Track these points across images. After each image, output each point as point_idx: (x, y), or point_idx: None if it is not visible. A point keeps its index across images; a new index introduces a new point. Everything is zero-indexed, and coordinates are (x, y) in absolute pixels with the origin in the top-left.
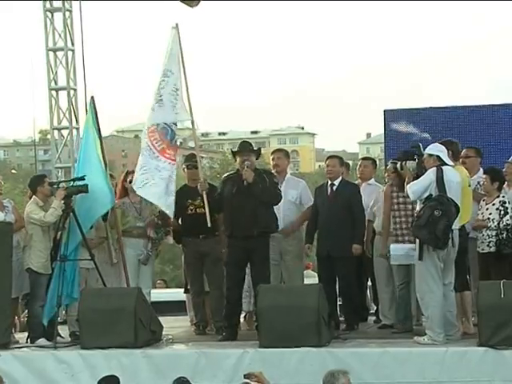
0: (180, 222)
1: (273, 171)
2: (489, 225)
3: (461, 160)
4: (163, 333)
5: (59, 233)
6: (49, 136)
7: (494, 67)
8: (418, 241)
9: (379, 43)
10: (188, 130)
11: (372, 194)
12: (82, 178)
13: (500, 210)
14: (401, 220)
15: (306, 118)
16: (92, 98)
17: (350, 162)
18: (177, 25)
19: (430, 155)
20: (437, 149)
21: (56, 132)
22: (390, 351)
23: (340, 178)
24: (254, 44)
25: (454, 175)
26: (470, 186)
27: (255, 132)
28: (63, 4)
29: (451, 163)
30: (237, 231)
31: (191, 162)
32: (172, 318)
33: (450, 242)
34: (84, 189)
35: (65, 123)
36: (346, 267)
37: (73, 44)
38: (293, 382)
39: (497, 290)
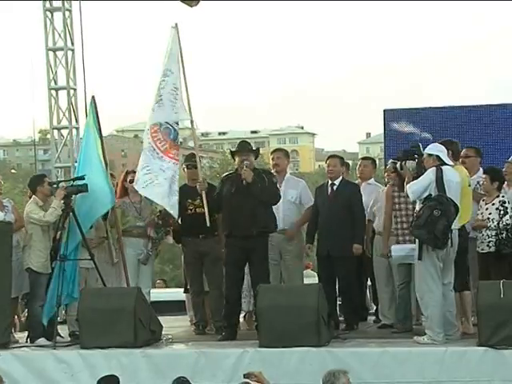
0: (179, 221)
1: (272, 171)
2: (488, 225)
3: (460, 160)
4: (163, 332)
5: (59, 232)
6: (48, 136)
7: (493, 67)
8: (417, 241)
9: (379, 43)
10: (188, 130)
11: (372, 194)
12: (82, 178)
13: (500, 210)
14: (402, 220)
15: (306, 118)
16: (93, 97)
17: (350, 162)
18: (176, 24)
19: (430, 155)
20: (436, 149)
21: (56, 132)
22: (390, 351)
23: (340, 177)
24: (253, 44)
25: (454, 175)
26: (469, 185)
27: (255, 132)
28: (63, 4)
29: (451, 163)
30: (236, 231)
31: (191, 161)
32: (171, 318)
33: (449, 242)
34: (84, 188)
35: (64, 123)
36: (346, 267)
37: (72, 44)
38: (292, 382)
39: (496, 289)
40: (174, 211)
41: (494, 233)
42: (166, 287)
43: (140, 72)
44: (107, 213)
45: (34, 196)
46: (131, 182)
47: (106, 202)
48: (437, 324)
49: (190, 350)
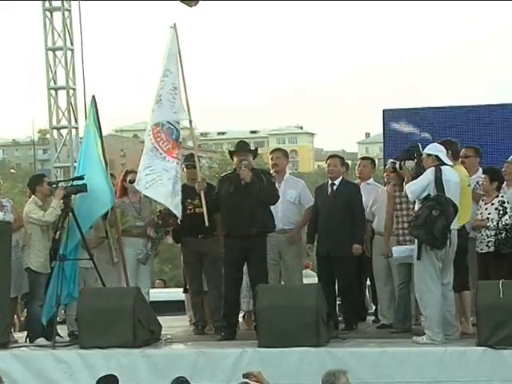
0: (179, 221)
1: (271, 171)
2: (488, 225)
3: (460, 160)
4: (162, 332)
5: (58, 232)
6: (48, 135)
7: (493, 67)
8: (416, 241)
9: (378, 43)
10: (187, 130)
11: (371, 194)
12: (81, 178)
13: (499, 210)
14: (403, 220)
15: (305, 118)
16: (93, 97)
17: (349, 162)
18: (175, 24)
19: (429, 155)
20: (436, 149)
21: (55, 131)
22: (389, 351)
23: (340, 177)
24: (253, 44)
25: (453, 175)
26: (469, 185)
27: (254, 132)
28: (62, 3)
29: (450, 163)
30: (234, 231)
31: (190, 161)
32: (171, 318)
33: (448, 242)
34: (83, 188)
35: (64, 123)
36: (345, 267)
37: (72, 43)
38: (292, 382)
39: (496, 289)
40: (177, 211)
41: (493, 233)
42: (165, 287)
43: (139, 72)
44: (107, 213)
45: (33, 196)
46: (131, 181)
47: (106, 201)
48: (436, 324)
49: (189, 350)
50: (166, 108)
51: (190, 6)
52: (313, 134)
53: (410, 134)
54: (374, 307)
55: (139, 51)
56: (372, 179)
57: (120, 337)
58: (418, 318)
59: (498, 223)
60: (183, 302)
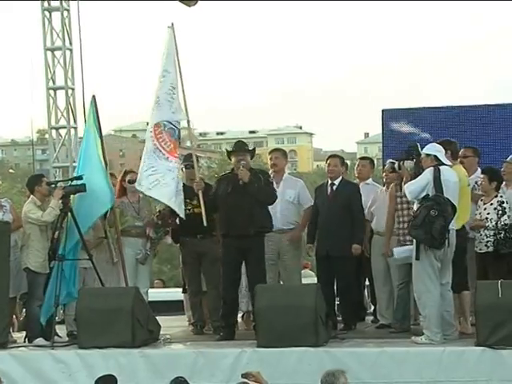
0: (178, 221)
1: (270, 171)
2: (487, 225)
3: (459, 160)
4: (161, 332)
5: (57, 232)
6: (47, 135)
7: (492, 67)
8: (414, 241)
9: (377, 43)
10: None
11: (370, 194)
12: (80, 178)
13: (498, 210)
14: (403, 220)
15: (304, 118)
16: (93, 97)
17: (348, 162)
18: (172, 24)
19: (428, 155)
20: (434, 149)
21: (54, 131)
22: (388, 351)
23: (340, 177)
24: (252, 44)
25: (452, 175)
26: (468, 185)
27: (253, 132)
28: (61, 3)
29: (449, 163)
30: (232, 231)
31: (189, 161)
32: (170, 318)
33: (447, 242)
34: (82, 188)
35: (63, 122)
36: (345, 267)
37: (71, 43)
38: (290, 382)
39: (495, 289)
40: (180, 211)
41: (492, 233)
42: (164, 287)
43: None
44: (106, 213)
45: (31, 196)
46: (130, 182)
47: (106, 201)
48: (435, 324)
49: (188, 350)
50: (165, 108)
51: (189, 6)
52: (312, 134)
53: (409, 133)
54: (372, 307)
55: (138, 51)
56: (371, 179)
57: (119, 337)
58: (417, 318)
59: (496, 223)
60: (182, 301)
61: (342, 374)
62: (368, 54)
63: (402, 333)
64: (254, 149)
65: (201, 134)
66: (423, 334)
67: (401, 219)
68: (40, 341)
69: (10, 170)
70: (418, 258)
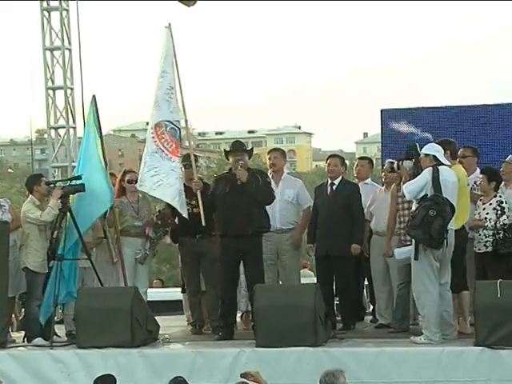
0: (177, 221)
1: (269, 171)
2: (486, 224)
3: (458, 160)
4: (160, 332)
5: (55, 232)
6: (45, 135)
7: (491, 67)
8: (413, 241)
9: (376, 43)
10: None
11: (369, 194)
12: (79, 178)
13: (497, 210)
14: (405, 220)
15: (303, 118)
16: (93, 96)
17: (347, 162)
18: (169, 24)
19: (427, 155)
20: (433, 149)
21: (53, 131)
22: (387, 351)
23: (340, 177)
24: (251, 44)
25: (450, 175)
26: (468, 185)
27: (252, 131)
28: (60, 3)
29: (448, 163)
30: (230, 230)
31: (188, 161)
32: (169, 318)
33: (445, 242)
34: (81, 188)
35: (62, 122)
36: (345, 267)
37: (70, 43)
38: (289, 382)
39: (493, 289)
40: (183, 210)
41: (491, 233)
42: (163, 287)
43: (137, 72)
44: (105, 212)
45: (30, 195)
46: (129, 181)
47: (106, 201)
48: (434, 324)
49: (187, 350)
50: (164, 108)
51: (188, 6)
52: (311, 134)
53: (408, 133)
54: (371, 307)
55: (137, 51)
56: (370, 179)
57: (118, 336)
58: (416, 318)
59: (495, 223)
60: (181, 301)
61: (341, 373)
62: (367, 54)
63: (401, 333)
64: (251, 149)
65: (200, 134)
66: (422, 333)
67: (402, 219)
68: (39, 340)
69: (9, 170)
70: (416, 258)
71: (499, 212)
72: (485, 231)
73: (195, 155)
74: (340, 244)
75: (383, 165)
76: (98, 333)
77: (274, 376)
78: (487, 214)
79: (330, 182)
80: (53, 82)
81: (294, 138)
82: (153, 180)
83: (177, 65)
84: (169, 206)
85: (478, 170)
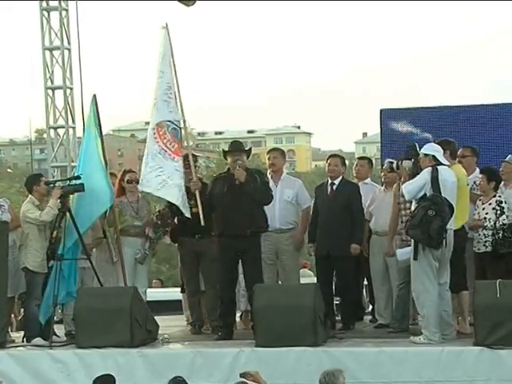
0: (176, 221)
1: (269, 171)
2: (485, 224)
3: (457, 159)
4: (159, 332)
5: (55, 232)
6: (45, 135)
7: (490, 67)
8: (412, 241)
9: (376, 43)
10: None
11: (368, 194)
12: (78, 177)
13: (496, 210)
14: (407, 219)
15: (303, 118)
16: (94, 96)
17: (347, 162)
18: (166, 24)
19: (426, 155)
20: (432, 149)
21: (52, 131)
22: (386, 351)
23: (340, 177)
24: (250, 44)
25: (450, 175)
26: (468, 185)
27: (251, 131)
28: (60, 3)
29: (447, 163)
30: (229, 230)
31: (186, 161)
32: (168, 318)
33: (444, 242)
34: (80, 188)
35: (61, 122)
36: (345, 267)
37: (69, 43)
38: (289, 382)
39: (493, 289)
40: (186, 210)
41: (490, 233)
42: (163, 287)
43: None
44: (105, 212)
45: (30, 195)
46: (129, 181)
47: (106, 200)
48: (433, 324)
49: (187, 350)
50: (164, 108)
51: (188, 6)
52: (310, 134)
53: (407, 133)
54: (370, 307)
55: (137, 51)
56: (369, 179)
57: (117, 336)
58: (415, 318)
59: (495, 223)
60: (180, 301)
61: (341, 373)
62: (366, 54)
63: (400, 332)
64: (250, 149)
65: (199, 134)
66: (421, 333)
67: (403, 219)
68: (38, 340)
69: (9, 170)
70: (416, 258)
71: (499, 212)
72: (484, 231)
73: (195, 155)
74: (340, 244)
75: (382, 165)
76: (97, 333)
77: (274, 376)
78: (487, 213)
79: (330, 181)
80: (52, 82)
81: (294, 137)
82: (157, 180)
83: (174, 65)
84: (168, 206)
85: (478, 169)
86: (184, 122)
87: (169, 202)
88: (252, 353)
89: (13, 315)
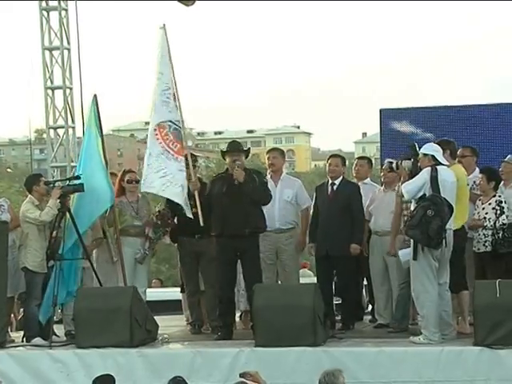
0: (176, 221)
1: (268, 170)
2: (485, 224)
3: (457, 159)
4: (159, 332)
5: (54, 232)
6: (44, 135)
7: (489, 67)
8: (412, 241)
9: (375, 43)
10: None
11: (368, 194)
12: (78, 177)
13: (496, 210)
14: (406, 219)
15: (302, 118)
16: (95, 96)
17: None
18: (164, 25)
19: (425, 155)
20: (432, 148)
21: (52, 131)
22: (386, 350)
23: (341, 177)
24: (250, 44)
25: (449, 175)
26: (468, 185)
27: (251, 131)
28: (59, 3)
29: (446, 163)
30: (227, 230)
31: (186, 161)
32: (168, 318)
33: (444, 242)
34: (80, 188)
35: (60, 122)
36: (345, 267)
37: (69, 43)
38: (288, 381)
39: (493, 289)
40: (188, 210)
41: (490, 232)
42: (162, 287)
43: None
44: (105, 212)
45: (29, 195)
46: (128, 181)
47: (106, 200)
48: (433, 324)
49: (186, 350)
50: (163, 109)
51: (187, 6)
52: (310, 134)
53: (407, 133)
54: (370, 307)
55: (136, 51)
56: (369, 179)
57: (117, 336)
58: (415, 318)
59: (495, 223)
60: (180, 301)
61: (341, 373)
62: (365, 54)
63: (400, 332)
64: (248, 149)
65: (199, 134)
66: (421, 333)
67: (405, 219)
68: (38, 340)
69: (8, 170)
70: (415, 259)
71: (498, 212)
72: (484, 231)
73: (194, 155)
74: (340, 244)
75: (382, 164)
76: (97, 332)
77: (273, 376)
78: (486, 213)
79: (330, 181)
80: (52, 82)
81: (293, 137)
82: (162, 181)
83: (172, 65)
84: (168, 206)
85: (477, 169)
86: (182, 122)
87: (168, 202)
88: (252, 353)
89: (12, 315)
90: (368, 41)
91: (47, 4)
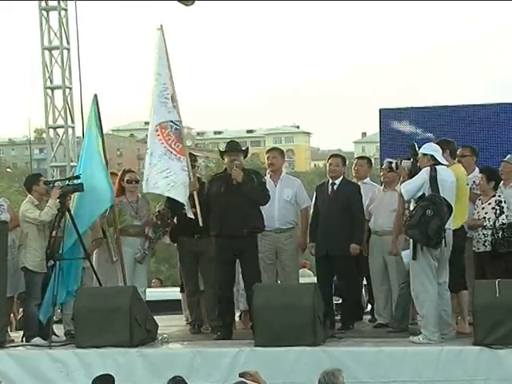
0: (175, 221)
1: (268, 170)
2: (484, 224)
3: (456, 159)
4: (158, 332)
5: (54, 232)
6: (44, 135)
7: (489, 67)
8: (411, 240)
9: (374, 43)
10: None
11: (367, 193)
12: (78, 177)
13: (496, 210)
14: (405, 219)
15: (302, 117)
16: (95, 96)
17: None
18: (161, 26)
19: (425, 155)
20: (431, 148)
21: (51, 131)
22: (385, 350)
23: (341, 177)
24: (250, 44)
25: (448, 175)
26: (467, 184)
27: (251, 131)
28: (59, 3)
29: (445, 163)
30: (226, 230)
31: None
32: (167, 317)
33: (443, 242)
34: (79, 187)
35: (60, 122)
36: (345, 267)
37: (68, 43)
38: (288, 381)
39: (492, 289)
40: (189, 210)
41: (489, 232)
42: (162, 286)
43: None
44: (105, 212)
45: (29, 195)
46: (128, 181)
47: (106, 199)
48: (432, 323)
49: (186, 350)
50: (162, 109)
51: (187, 6)
52: (309, 134)
53: (407, 133)
54: (370, 306)
55: (135, 51)
56: (368, 179)
57: (116, 336)
58: (415, 318)
59: (494, 222)
60: (180, 301)
61: (340, 373)
62: (365, 54)
63: (399, 332)
64: (247, 148)
65: (198, 134)
66: (421, 333)
67: (405, 218)
68: (38, 340)
69: (8, 170)
70: (414, 258)
71: (498, 211)
72: (484, 231)
73: (194, 155)
74: (340, 244)
75: (382, 164)
76: (96, 332)
77: (273, 375)
78: (486, 213)
79: (330, 181)
80: (51, 82)
81: (293, 137)
82: (166, 181)
83: (169, 65)
84: (168, 206)
85: (477, 169)
86: (180, 122)
87: (168, 201)
88: (251, 352)
89: (12, 315)
90: (368, 41)
91: (47, 4)
